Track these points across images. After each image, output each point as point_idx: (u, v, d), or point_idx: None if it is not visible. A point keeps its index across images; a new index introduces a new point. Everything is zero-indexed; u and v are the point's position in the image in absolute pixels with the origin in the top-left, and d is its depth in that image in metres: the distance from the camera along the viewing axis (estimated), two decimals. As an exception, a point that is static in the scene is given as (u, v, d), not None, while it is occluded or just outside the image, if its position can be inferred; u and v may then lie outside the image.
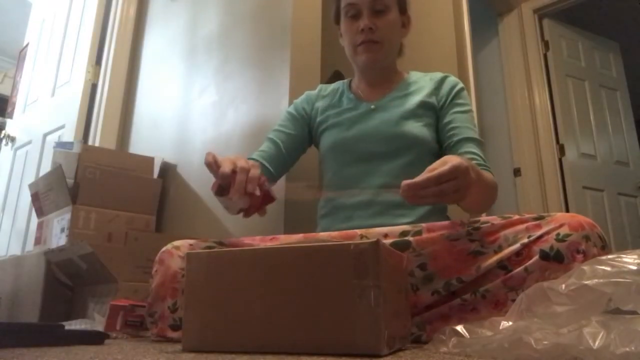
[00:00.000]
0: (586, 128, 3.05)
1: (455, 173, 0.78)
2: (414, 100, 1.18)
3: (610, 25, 3.67)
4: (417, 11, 2.07)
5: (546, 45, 3.07)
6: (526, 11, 3.13)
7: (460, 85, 1.21)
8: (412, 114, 1.16)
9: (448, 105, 1.17)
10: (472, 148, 1.11)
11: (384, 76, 1.25)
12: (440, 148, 1.17)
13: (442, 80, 1.22)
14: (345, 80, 1.34)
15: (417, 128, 1.14)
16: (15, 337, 0.74)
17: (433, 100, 1.18)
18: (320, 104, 1.28)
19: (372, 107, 1.20)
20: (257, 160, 1.18)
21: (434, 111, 1.18)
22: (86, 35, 2.51)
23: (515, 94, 3.04)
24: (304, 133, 1.28)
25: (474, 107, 1.98)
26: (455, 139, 1.12)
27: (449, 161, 0.80)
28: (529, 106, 2.98)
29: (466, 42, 2.07)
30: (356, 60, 1.22)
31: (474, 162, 1.06)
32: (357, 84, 1.28)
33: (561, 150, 2.89)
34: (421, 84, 1.22)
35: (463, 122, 1.15)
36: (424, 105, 1.17)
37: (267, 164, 1.19)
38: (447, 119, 1.16)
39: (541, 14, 3.12)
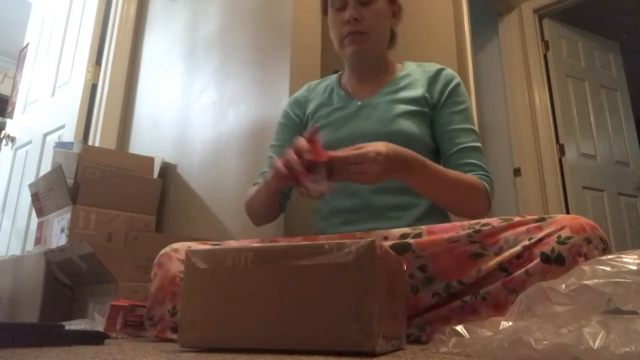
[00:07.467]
0: (586, 128, 3.05)
1: (361, 159, 0.86)
2: (406, 96, 1.14)
3: (610, 25, 3.67)
4: (417, 11, 2.08)
5: (546, 45, 3.07)
6: (526, 11, 3.13)
7: (456, 80, 1.16)
8: (405, 112, 1.11)
9: (444, 105, 1.13)
10: (471, 159, 1.08)
11: (375, 69, 1.20)
12: (435, 143, 1.14)
13: (436, 75, 1.16)
14: (336, 75, 1.29)
15: (410, 126, 1.10)
16: (15, 337, 0.74)
17: (426, 95, 1.14)
18: (311, 106, 1.24)
19: (359, 103, 1.16)
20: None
21: (427, 107, 1.13)
22: (86, 35, 2.51)
23: (515, 94, 3.04)
24: None
25: (473, 108, 1.99)
26: (455, 148, 1.09)
27: (368, 146, 0.86)
28: (529, 106, 2.98)
29: (466, 42, 2.07)
30: (343, 52, 1.17)
31: (473, 173, 1.05)
32: (347, 78, 1.24)
33: (561, 150, 2.89)
34: (415, 77, 1.17)
35: (460, 123, 1.11)
36: (416, 101, 1.13)
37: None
38: (443, 120, 1.12)
39: (541, 14, 3.12)
